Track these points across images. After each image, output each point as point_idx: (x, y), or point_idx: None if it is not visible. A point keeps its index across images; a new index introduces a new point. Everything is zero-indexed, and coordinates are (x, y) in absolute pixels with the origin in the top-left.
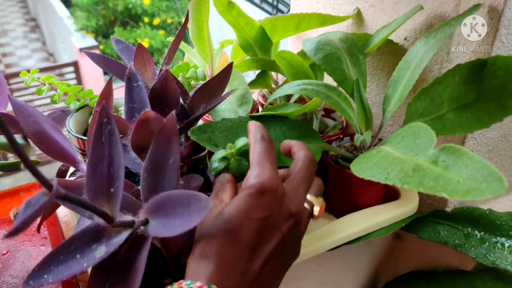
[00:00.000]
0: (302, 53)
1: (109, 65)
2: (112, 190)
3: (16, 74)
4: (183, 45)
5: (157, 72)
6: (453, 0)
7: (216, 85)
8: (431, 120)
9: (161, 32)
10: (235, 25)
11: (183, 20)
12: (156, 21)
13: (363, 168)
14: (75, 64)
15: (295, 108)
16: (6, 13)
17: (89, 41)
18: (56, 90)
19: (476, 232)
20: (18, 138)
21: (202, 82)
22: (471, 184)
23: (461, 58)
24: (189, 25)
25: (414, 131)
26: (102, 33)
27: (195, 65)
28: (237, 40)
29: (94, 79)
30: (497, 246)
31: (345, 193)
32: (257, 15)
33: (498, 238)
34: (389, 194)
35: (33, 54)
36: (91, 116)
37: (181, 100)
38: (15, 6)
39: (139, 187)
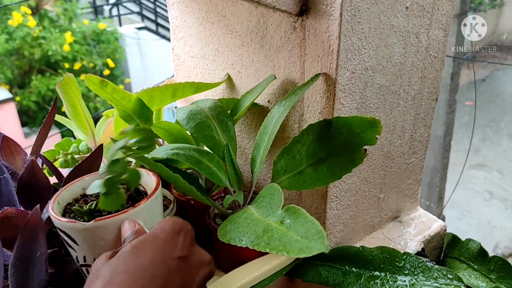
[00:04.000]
0: None
1: None
2: None
3: None
4: (65, 121)
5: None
6: (299, 69)
7: (89, 166)
8: (293, 175)
9: (83, 76)
10: (111, 100)
11: (105, 62)
12: (76, 66)
13: (226, 231)
14: None
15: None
16: None
17: (3, 93)
18: None
19: (353, 269)
20: None
21: (84, 156)
22: (304, 242)
23: (312, 118)
24: (64, 104)
25: (271, 191)
26: (18, 84)
27: (79, 139)
28: (117, 112)
29: (11, 133)
30: (371, 280)
31: (229, 249)
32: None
33: (372, 272)
34: None
35: None
36: None
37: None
38: None
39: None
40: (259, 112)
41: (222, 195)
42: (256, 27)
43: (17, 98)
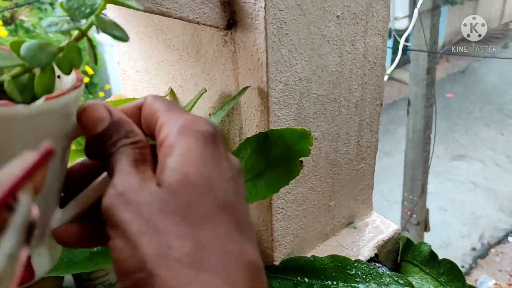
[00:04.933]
0: None
1: None
2: None
3: None
4: None
5: None
6: (233, 83)
7: None
8: None
9: None
10: None
11: (84, 69)
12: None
13: None
14: None
15: None
16: None
17: None
18: None
19: (305, 279)
20: None
21: None
22: None
23: (250, 131)
24: None
25: None
26: None
27: None
28: None
29: None
30: None
31: None
32: None
33: (324, 281)
34: None
35: None
36: None
37: None
38: None
39: None
40: None
41: None
42: (191, 41)
43: None
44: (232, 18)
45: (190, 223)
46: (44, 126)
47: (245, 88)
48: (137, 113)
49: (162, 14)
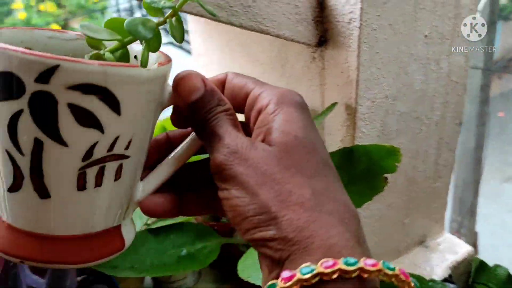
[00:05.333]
0: None
1: None
2: None
3: None
4: None
5: None
6: (319, 98)
7: None
8: None
9: None
10: None
11: None
12: None
13: (245, 266)
14: None
15: None
16: None
17: None
18: None
19: None
20: None
21: None
22: None
23: (333, 146)
24: None
25: None
26: None
27: None
28: None
29: None
30: None
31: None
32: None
33: None
34: None
35: None
36: None
37: None
38: None
39: None
40: None
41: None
42: (277, 56)
43: None
44: (323, 36)
45: (305, 174)
46: (154, 91)
47: (333, 104)
48: (219, 87)
49: (262, 31)
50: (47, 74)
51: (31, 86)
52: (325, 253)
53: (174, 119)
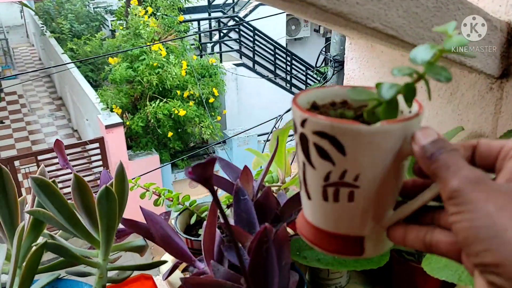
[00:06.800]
0: None
1: (219, 181)
2: None
3: (43, 152)
4: (257, 153)
5: (255, 186)
6: (491, 125)
7: None
8: None
9: (191, 103)
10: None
11: (211, 90)
12: (186, 94)
13: (435, 268)
14: (100, 140)
15: None
16: (34, 92)
17: (115, 118)
18: (158, 196)
19: None
20: (140, 240)
21: (275, 184)
22: None
23: None
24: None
25: None
26: (127, 109)
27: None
28: None
29: (118, 155)
30: None
31: (410, 283)
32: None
33: None
34: None
35: (58, 131)
36: (193, 217)
37: None
38: (42, 86)
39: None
40: None
41: None
42: (447, 85)
43: (127, 123)
44: (506, 69)
45: None
46: (382, 143)
47: (510, 131)
48: (468, 149)
49: (460, 63)
50: (304, 122)
51: (299, 129)
52: None
53: (415, 168)
